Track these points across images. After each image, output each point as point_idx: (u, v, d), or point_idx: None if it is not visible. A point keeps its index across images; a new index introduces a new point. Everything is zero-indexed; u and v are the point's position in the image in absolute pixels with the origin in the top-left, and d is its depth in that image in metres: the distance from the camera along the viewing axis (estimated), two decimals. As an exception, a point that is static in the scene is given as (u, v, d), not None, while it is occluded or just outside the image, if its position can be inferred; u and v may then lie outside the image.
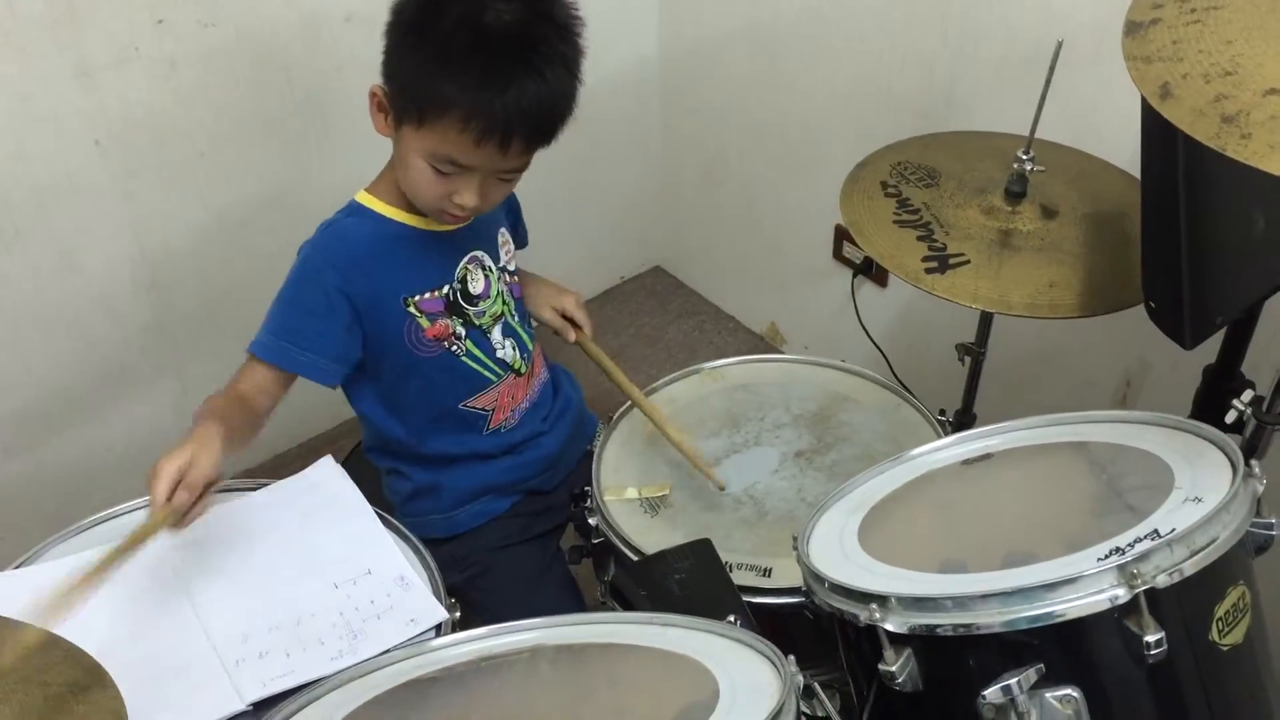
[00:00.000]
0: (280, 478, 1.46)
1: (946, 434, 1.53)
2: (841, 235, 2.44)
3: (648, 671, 1.00)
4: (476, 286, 1.53)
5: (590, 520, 1.46)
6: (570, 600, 1.58)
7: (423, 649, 1.08)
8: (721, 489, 1.49)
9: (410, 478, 1.59)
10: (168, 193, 2.06)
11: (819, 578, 1.06)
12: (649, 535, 1.41)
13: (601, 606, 1.52)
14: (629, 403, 1.62)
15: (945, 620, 0.94)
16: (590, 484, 1.52)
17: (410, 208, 1.47)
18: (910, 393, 1.61)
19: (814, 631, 1.32)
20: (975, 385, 1.75)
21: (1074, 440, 1.15)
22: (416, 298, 1.48)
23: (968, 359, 1.74)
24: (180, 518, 1.23)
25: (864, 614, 0.98)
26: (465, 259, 1.52)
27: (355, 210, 1.50)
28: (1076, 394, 2.12)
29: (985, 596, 0.92)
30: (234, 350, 2.25)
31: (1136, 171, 1.63)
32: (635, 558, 1.38)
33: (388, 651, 1.16)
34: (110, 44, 1.87)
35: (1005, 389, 2.06)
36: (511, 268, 1.60)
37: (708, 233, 2.82)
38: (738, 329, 2.81)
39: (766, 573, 1.35)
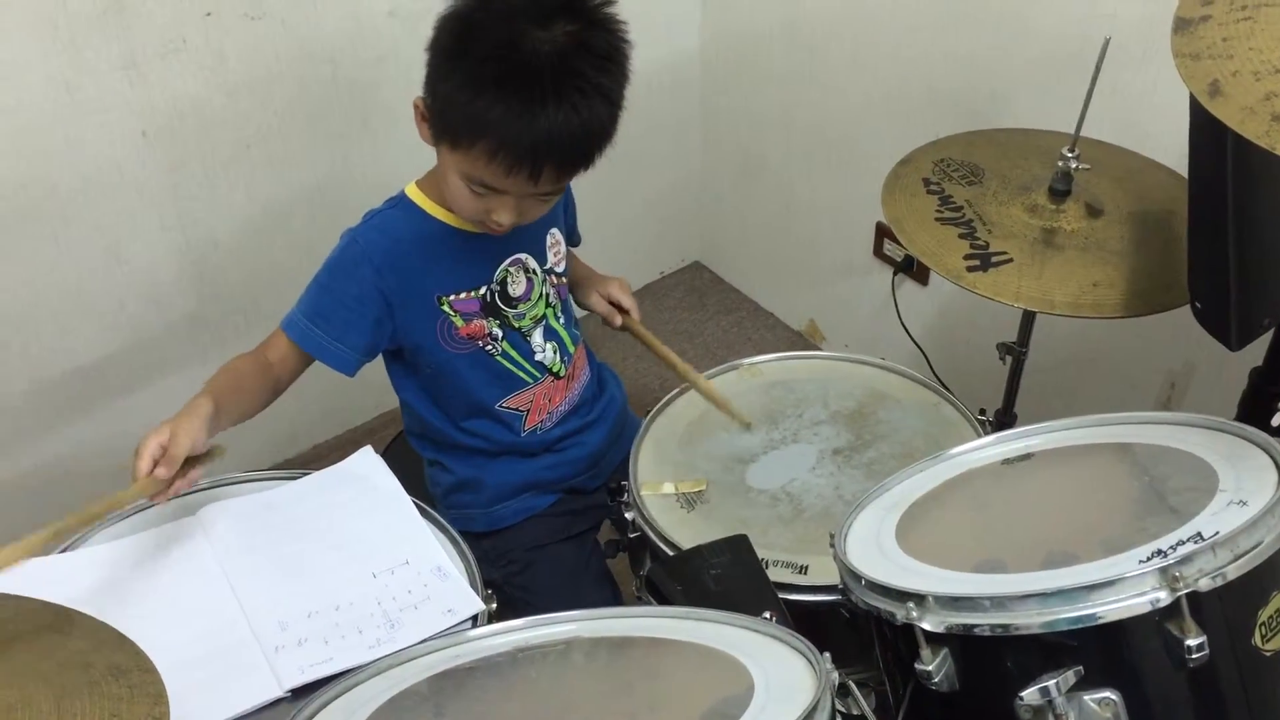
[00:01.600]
0: (320, 468, 1.47)
1: (986, 434, 1.52)
2: (883, 232, 2.42)
3: (682, 665, 1.00)
4: (517, 289, 1.53)
5: (627, 515, 1.46)
6: (608, 596, 1.58)
7: (461, 639, 1.09)
8: (748, 426, 1.54)
9: (452, 470, 1.60)
10: (213, 184, 2.08)
11: (855, 575, 1.06)
12: (685, 530, 1.41)
13: (637, 601, 1.52)
14: (664, 399, 1.62)
15: (983, 620, 0.93)
16: (627, 478, 1.52)
17: None
18: (950, 391, 1.60)
19: (849, 630, 1.32)
20: (1016, 385, 1.74)
21: (1116, 441, 1.14)
22: (451, 297, 1.49)
23: (1009, 358, 1.72)
24: (163, 488, 1.25)
25: (901, 612, 0.97)
26: (507, 261, 1.52)
27: (401, 203, 1.51)
28: (1120, 396, 2.10)
29: (1024, 597, 0.91)
30: (275, 340, 2.28)
31: (1184, 170, 1.61)
32: (671, 552, 1.38)
33: (425, 641, 1.17)
34: (158, 36, 1.89)
35: (1047, 389, 2.04)
36: (560, 269, 1.60)
37: (747, 229, 2.82)
38: (776, 325, 2.80)
39: (803, 570, 1.34)
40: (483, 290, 1.51)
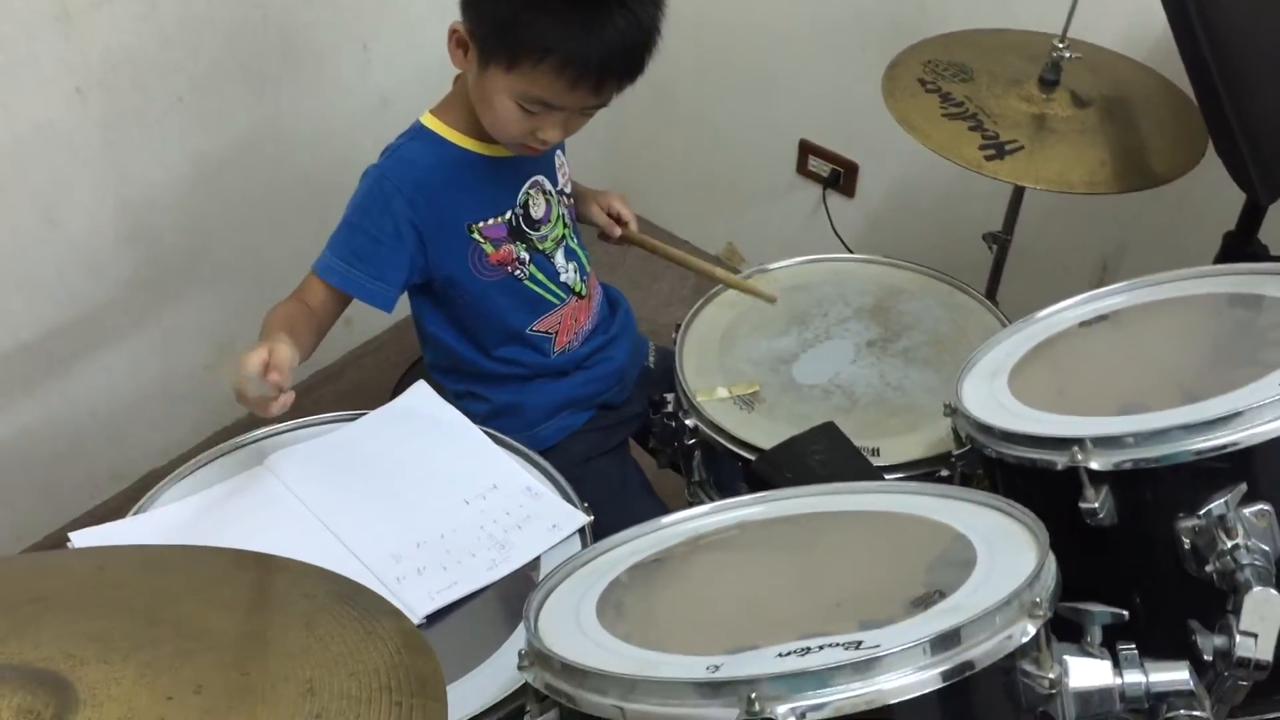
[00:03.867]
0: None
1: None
2: (806, 150, 2.50)
3: (881, 532, 1.05)
4: (538, 211, 1.55)
5: (687, 422, 1.49)
6: (656, 503, 1.62)
7: (646, 530, 1.11)
8: (773, 301, 1.62)
9: (489, 399, 1.59)
10: (148, 140, 1.98)
11: (989, 429, 1.12)
12: (752, 430, 1.45)
13: (688, 505, 1.56)
14: (690, 311, 1.66)
15: (1149, 453, 1.01)
16: (667, 393, 1.55)
17: (475, 133, 1.47)
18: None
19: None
20: (1000, 271, 1.85)
21: (1197, 294, 1.24)
22: (480, 224, 1.49)
23: (995, 246, 1.83)
24: (275, 394, 1.23)
25: (1063, 459, 1.04)
26: (527, 184, 1.53)
27: (420, 134, 1.49)
28: (1054, 279, 2.24)
29: (1185, 427, 1.00)
30: (214, 298, 2.22)
31: (1146, 59, 1.75)
32: (743, 453, 1.43)
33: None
34: (91, -17, 1.79)
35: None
36: (568, 190, 1.62)
37: (656, 157, 2.84)
38: (693, 252, 2.84)
39: (875, 452, 1.40)
40: (508, 215, 1.52)
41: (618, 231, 1.70)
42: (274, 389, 1.22)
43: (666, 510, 1.62)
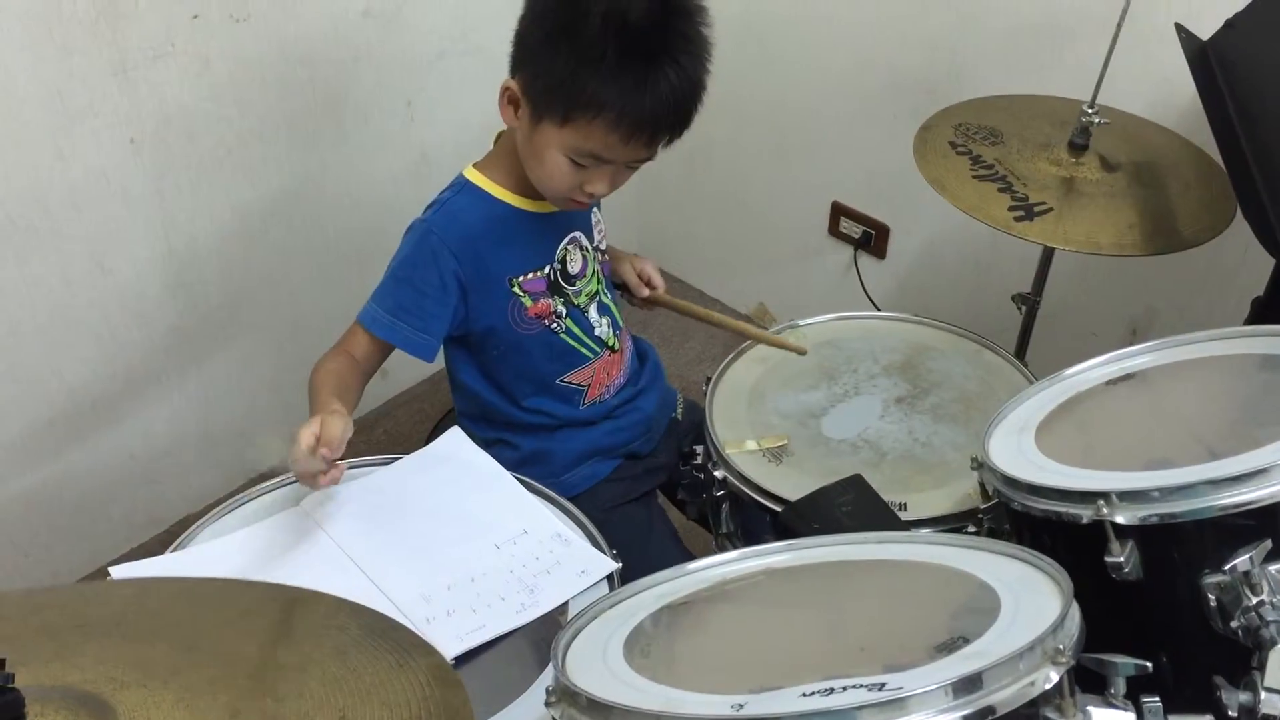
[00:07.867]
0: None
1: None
2: (838, 211, 2.53)
3: (917, 581, 1.06)
4: (575, 266, 1.58)
5: (716, 473, 1.50)
6: (681, 551, 1.63)
7: (673, 574, 1.12)
8: (803, 353, 1.68)
9: (518, 447, 1.62)
10: (196, 191, 2.04)
11: (1016, 484, 1.13)
12: (780, 482, 1.46)
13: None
14: (720, 366, 1.68)
15: (1176, 508, 1.02)
16: (696, 445, 1.57)
17: (519, 189, 1.51)
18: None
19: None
20: (1029, 331, 1.86)
21: (1224, 354, 1.25)
22: (521, 278, 1.53)
23: (1024, 307, 1.84)
24: (324, 468, 1.27)
25: (1089, 512, 1.05)
26: (566, 240, 1.57)
27: (465, 188, 1.52)
28: (1082, 343, 2.25)
29: (1214, 482, 1.00)
30: (253, 347, 2.26)
31: (1172, 125, 1.77)
32: (770, 505, 1.44)
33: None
34: (149, 40, 1.86)
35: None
36: (603, 246, 1.66)
37: (689, 218, 2.89)
38: (725, 312, 2.87)
39: (903, 507, 1.42)
40: (547, 269, 1.55)
41: (645, 291, 1.74)
42: (323, 464, 1.25)
43: (693, 558, 1.65)
